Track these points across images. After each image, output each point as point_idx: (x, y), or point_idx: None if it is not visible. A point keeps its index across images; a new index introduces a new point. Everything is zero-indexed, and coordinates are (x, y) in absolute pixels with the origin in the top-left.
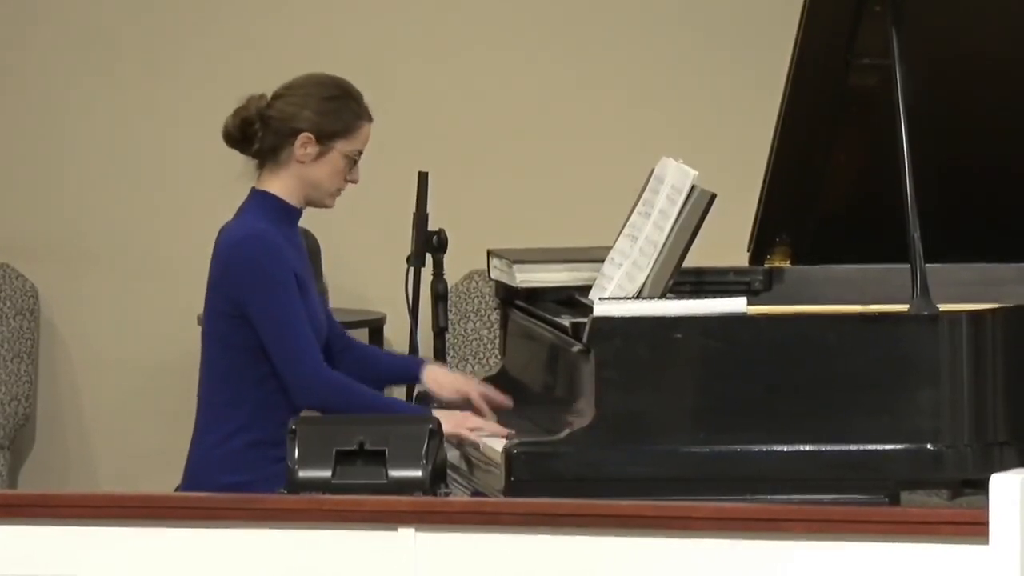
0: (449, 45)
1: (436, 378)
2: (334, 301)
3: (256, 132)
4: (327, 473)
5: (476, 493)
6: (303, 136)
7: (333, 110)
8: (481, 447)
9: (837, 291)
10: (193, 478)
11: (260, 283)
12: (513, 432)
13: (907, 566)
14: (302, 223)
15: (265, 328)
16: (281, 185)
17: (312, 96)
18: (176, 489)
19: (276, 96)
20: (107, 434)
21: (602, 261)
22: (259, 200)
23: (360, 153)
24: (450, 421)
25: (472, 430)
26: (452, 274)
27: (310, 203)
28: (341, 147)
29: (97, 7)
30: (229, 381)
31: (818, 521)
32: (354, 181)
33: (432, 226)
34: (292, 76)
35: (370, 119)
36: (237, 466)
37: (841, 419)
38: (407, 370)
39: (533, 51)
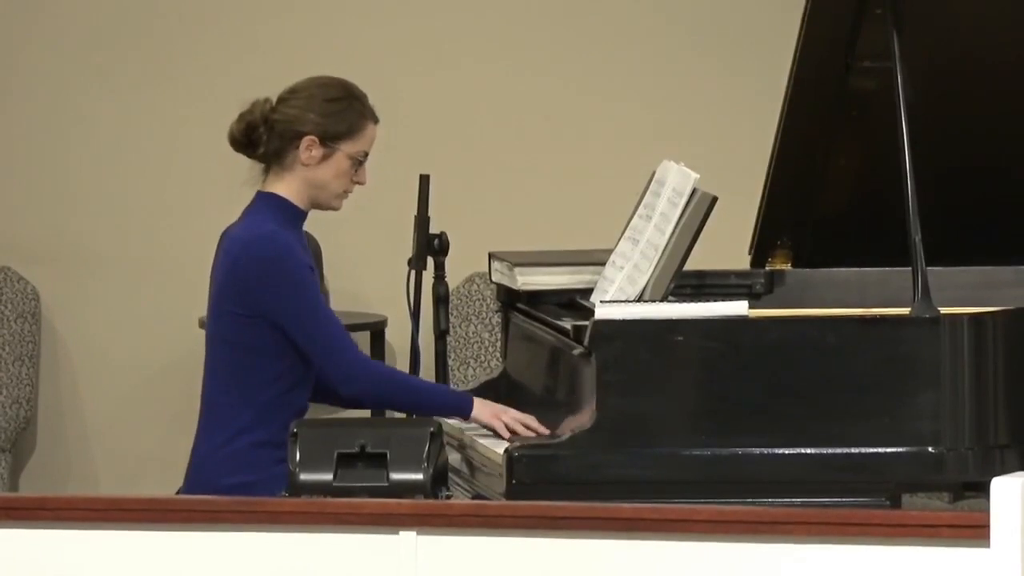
0: (450, 48)
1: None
2: (335, 304)
3: (261, 136)
4: (328, 476)
5: (477, 496)
6: (307, 139)
7: (336, 112)
8: (480, 449)
9: (838, 294)
10: (196, 479)
11: (283, 283)
12: (548, 432)
13: (908, 569)
14: (304, 225)
15: (296, 327)
16: (287, 188)
17: (316, 98)
18: (178, 491)
19: (280, 100)
20: (108, 437)
21: (603, 264)
22: (265, 202)
23: (366, 155)
24: (487, 410)
25: (507, 425)
26: (453, 277)
27: (316, 206)
28: (346, 148)
29: (99, 11)
30: (235, 383)
31: (819, 524)
32: (360, 182)
33: (433, 229)
34: (294, 80)
35: (375, 120)
36: (241, 467)
37: (842, 422)
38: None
39: (535, 54)
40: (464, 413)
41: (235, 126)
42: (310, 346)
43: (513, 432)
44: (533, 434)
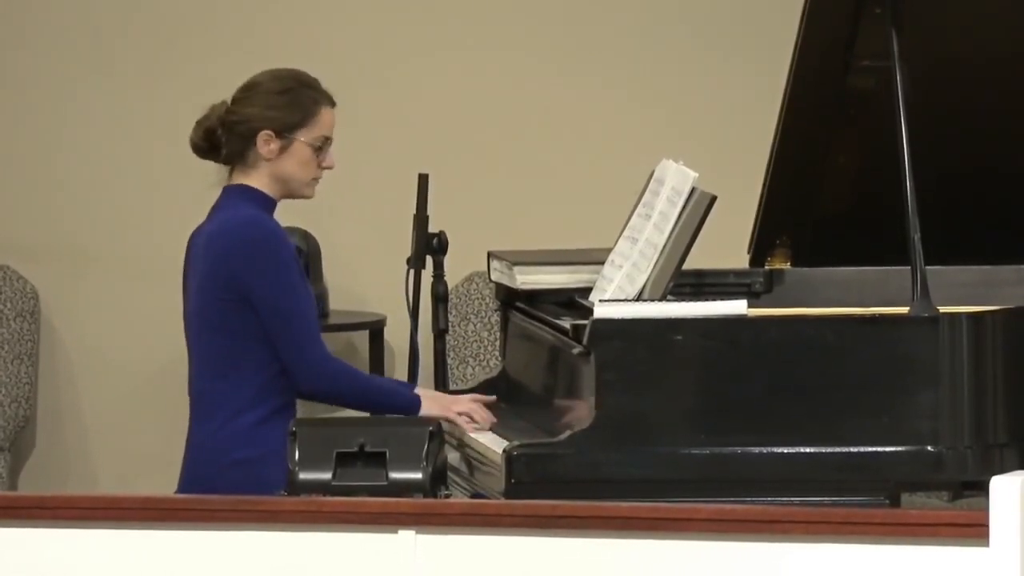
0: (449, 46)
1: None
2: (334, 303)
3: (221, 139)
4: (327, 475)
5: (476, 495)
6: (263, 134)
7: (286, 103)
8: (479, 448)
9: (837, 293)
10: (195, 466)
11: (265, 267)
12: (496, 422)
13: (907, 568)
14: (301, 224)
15: (269, 313)
16: (256, 183)
17: (268, 93)
18: (176, 490)
19: (235, 100)
20: (107, 436)
21: (602, 263)
22: (239, 193)
23: (326, 139)
24: (437, 404)
25: (460, 414)
26: (452, 276)
27: (289, 196)
28: (303, 137)
29: (96, 9)
30: (230, 369)
31: (818, 523)
32: (328, 167)
33: (432, 228)
34: None
35: (331, 103)
36: (244, 443)
37: (841, 421)
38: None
39: (534, 52)
40: (413, 413)
41: (194, 133)
42: (276, 336)
43: (472, 420)
44: (488, 415)
